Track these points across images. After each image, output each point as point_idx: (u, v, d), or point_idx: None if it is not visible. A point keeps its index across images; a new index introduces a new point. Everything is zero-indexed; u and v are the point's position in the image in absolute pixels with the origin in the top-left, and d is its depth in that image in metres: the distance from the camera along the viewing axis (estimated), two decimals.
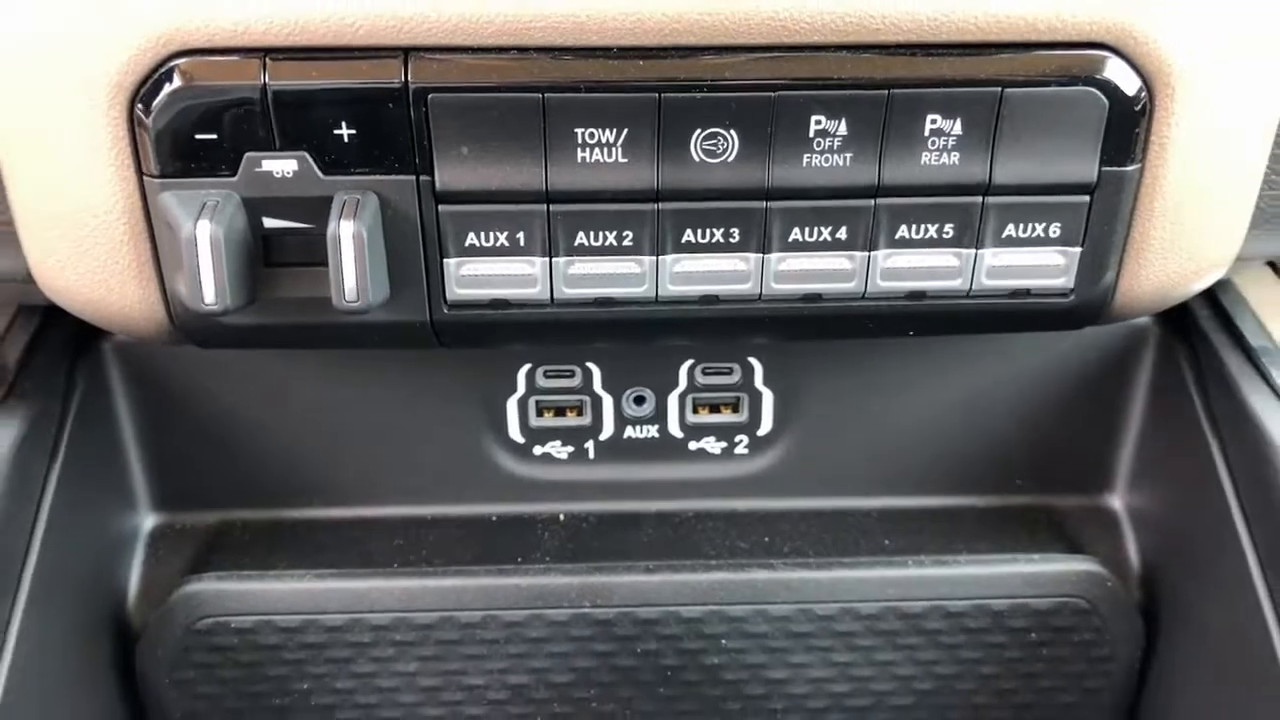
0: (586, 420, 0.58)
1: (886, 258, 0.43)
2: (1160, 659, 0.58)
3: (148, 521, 0.59)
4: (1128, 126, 0.41)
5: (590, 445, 0.59)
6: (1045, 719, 0.61)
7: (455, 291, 0.43)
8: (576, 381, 0.57)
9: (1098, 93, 0.40)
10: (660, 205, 0.41)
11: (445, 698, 0.57)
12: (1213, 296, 0.57)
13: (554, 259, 0.42)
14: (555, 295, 0.43)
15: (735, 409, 0.58)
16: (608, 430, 0.58)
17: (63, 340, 0.54)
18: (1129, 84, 0.40)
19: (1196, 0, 0.39)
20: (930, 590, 0.56)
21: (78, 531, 0.53)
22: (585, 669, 0.57)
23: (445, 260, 0.42)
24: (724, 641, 0.57)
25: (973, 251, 0.43)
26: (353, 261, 0.40)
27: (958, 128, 0.41)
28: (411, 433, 0.58)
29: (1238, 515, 0.54)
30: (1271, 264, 0.62)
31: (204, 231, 0.39)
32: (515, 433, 0.58)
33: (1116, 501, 0.61)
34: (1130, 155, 0.42)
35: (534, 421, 0.58)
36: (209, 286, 0.40)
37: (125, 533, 0.58)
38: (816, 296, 0.44)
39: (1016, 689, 0.60)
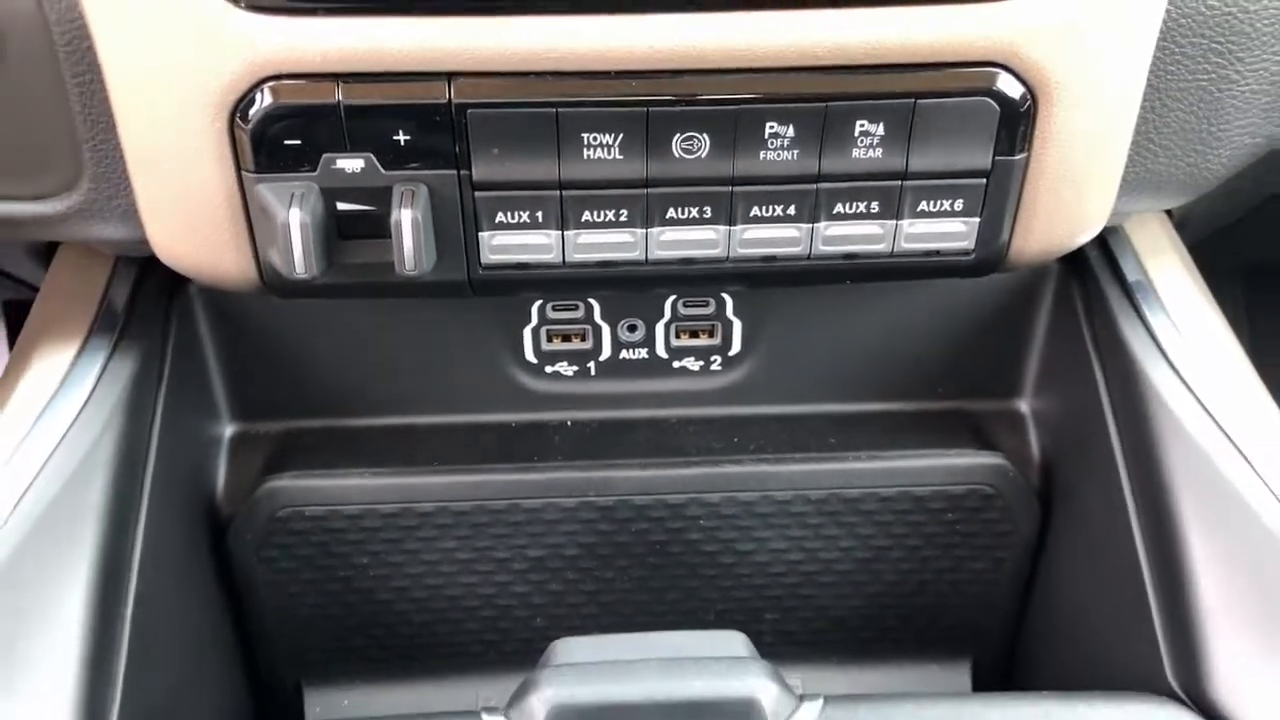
0: (588, 345, 0.68)
1: (826, 228, 0.53)
2: (1053, 534, 0.70)
3: (229, 430, 0.69)
4: (1015, 125, 0.50)
5: (592, 365, 0.69)
6: (960, 581, 0.72)
7: (488, 257, 0.52)
8: (580, 314, 0.66)
9: (991, 101, 0.49)
10: (649, 190, 0.51)
11: (478, 568, 0.69)
12: (1103, 239, 0.67)
13: (565, 232, 0.52)
14: (566, 259, 0.53)
15: (710, 334, 0.68)
16: (606, 352, 0.68)
17: (157, 284, 0.63)
18: (1015, 92, 0.49)
19: (1066, 27, 0.48)
20: (867, 480, 0.67)
21: (179, 441, 0.63)
22: (590, 544, 0.68)
23: (480, 234, 0.52)
24: (701, 522, 0.68)
25: (894, 223, 0.52)
26: (410, 240, 0.49)
27: (881, 130, 0.50)
28: (446, 356, 0.67)
29: (1110, 418, 0.65)
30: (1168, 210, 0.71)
31: (295, 217, 0.48)
32: (530, 355, 0.68)
33: (1023, 405, 0.71)
34: (1017, 147, 0.51)
35: (545, 346, 0.68)
36: (299, 260, 0.49)
37: (213, 439, 0.68)
38: (772, 258, 0.53)
39: (937, 557, 0.71)
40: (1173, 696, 0.57)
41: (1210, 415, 0.60)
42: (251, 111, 0.48)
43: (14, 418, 0.57)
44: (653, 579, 0.70)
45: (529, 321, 0.67)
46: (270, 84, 0.48)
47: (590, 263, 0.53)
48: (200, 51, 0.47)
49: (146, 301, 0.63)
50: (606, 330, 0.68)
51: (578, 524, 0.68)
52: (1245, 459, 0.58)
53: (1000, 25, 0.48)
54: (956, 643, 0.75)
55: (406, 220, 0.49)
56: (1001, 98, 0.49)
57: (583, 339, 0.68)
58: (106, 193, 0.53)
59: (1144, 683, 0.59)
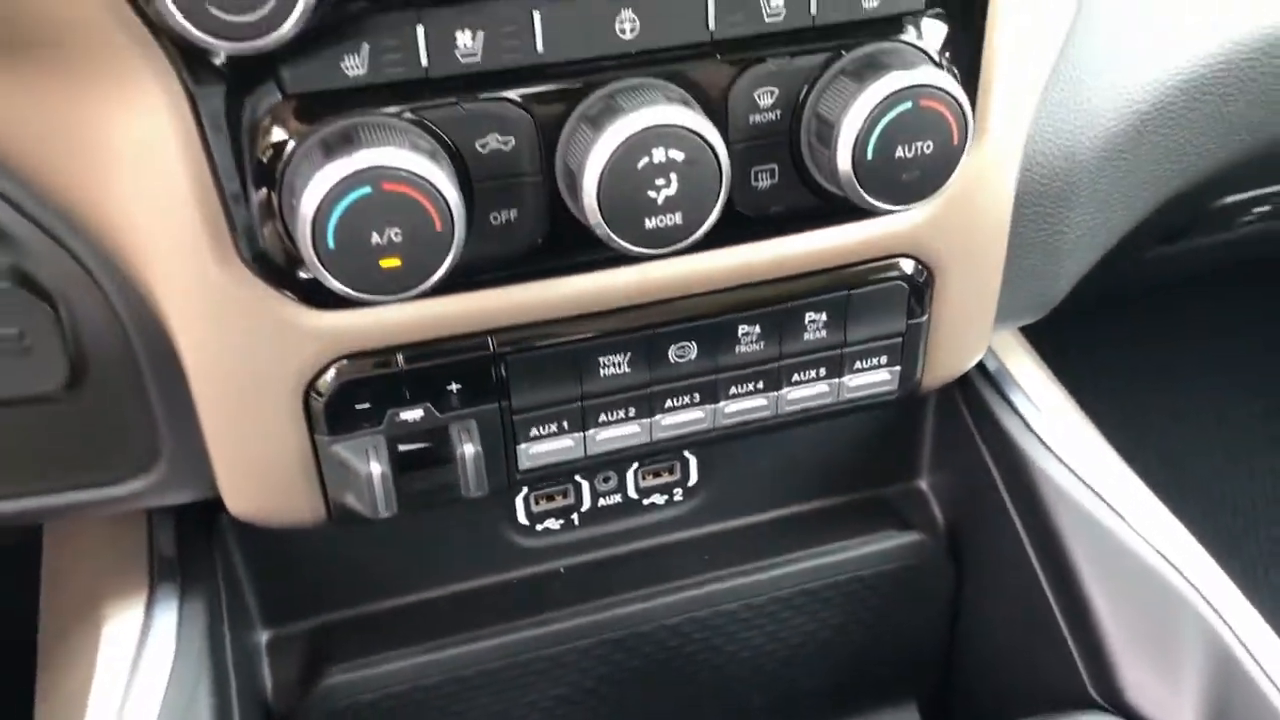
0: (571, 500, 0.77)
1: (787, 394, 0.64)
2: (970, 584, 0.83)
3: (265, 635, 0.75)
4: (919, 296, 0.63)
5: (575, 516, 0.78)
6: (900, 637, 0.85)
7: (524, 464, 0.61)
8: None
9: (902, 282, 0.62)
10: (651, 389, 0.61)
11: (514, 715, 0.77)
12: None
13: (586, 433, 0.62)
14: (587, 453, 0.62)
15: (671, 472, 0.79)
16: (586, 504, 0.78)
17: (195, 522, 0.69)
18: (918, 273, 0.62)
19: (948, 221, 0.61)
20: (823, 574, 0.79)
21: (236, 659, 0.68)
22: (606, 673, 0.78)
23: (518, 446, 0.61)
24: (695, 635, 0.79)
25: (838, 380, 0.65)
26: (472, 469, 0.58)
27: (824, 317, 0.62)
28: (453, 533, 0.76)
29: (999, 483, 0.79)
30: None
31: (376, 470, 0.56)
32: (522, 518, 0.77)
33: (924, 484, 0.85)
34: (921, 311, 0.64)
35: (534, 508, 0.77)
36: (381, 504, 0.57)
37: (254, 647, 0.74)
38: (746, 423, 0.65)
39: (880, 622, 0.84)
40: (1096, 706, 0.71)
41: (1073, 472, 0.75)
42: (325, 387, 0.56)
43: (106, 685, 0.62)
44: (660, 687, 0.80)
45: (520, 491, 0.76)
46: (341, 363, 0.56)
47: (606, 452, 0.63)
48: (280, 345, 0.55)
49: (190, 543, 0.68)
50: (586, 485, 0.78)
51: (594, 659, 0.77)
52: (1107, 503, 0.73)
53: (903, 226, 0.61)
54: (903, 688, 0.88)
55: (469, 454, 0.58)
56: (908, 278, 0.62)
57: (565, 496, 0.78)
58: (183, 469, 0.60)
59: (1069, 697, 0.73)
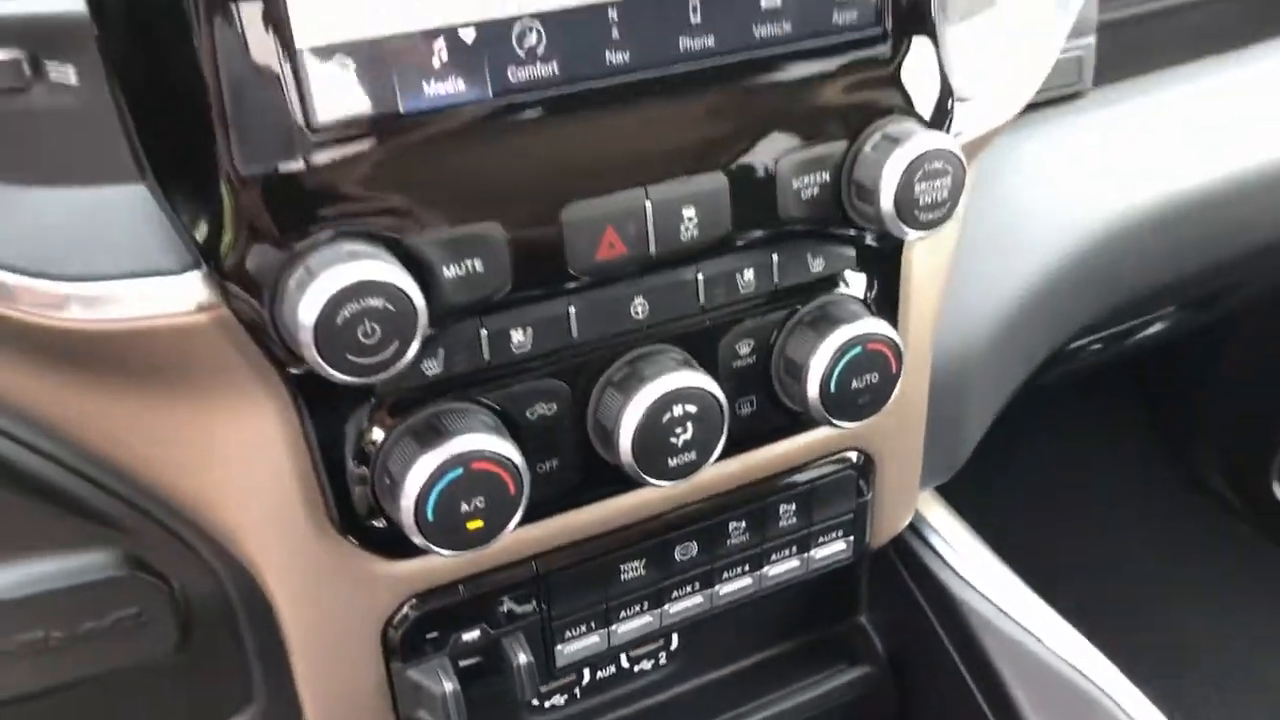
0: (572, 677, 0.87)
1: (768, 571, 0.76)
2: (912, 712, 0.95)
3: None
4: (864, 479, 0.77)
5: (577, 689, 0.87)
6: None
7: (560, 662, 0.71)
8: None
9: (851, 470, 0.76)
10: (661, 584, 0.72)
11: None
12: None
13: (610, 629, 0.72)
14: (610, 645, 0.73)
15: (656, 639, 0.89)
16: (587, 678, 0.87)
17: None
18: (861, 461, 0.76)
19: (882, 425, 0.74)
20: (786, 716, 0.90)
21: None
22: None
23: (555, 647, 0.70)
24: None
25: (807, 554, 0.77)
26: (527, 678, 0.67)
27: (794, 507, 0.75)
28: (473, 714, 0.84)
29: (928, 612, 0.92)
30: None
31: (449, 689, 0.65)
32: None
33: (864, 619, 0.97)
34: (867, 490, 0.77)
35: (541, 687, 0.86)
36: (454, 717, 0.66)
37: None
38: (735, 600, 0.76)
39: None
40: None
41: (990, 601, 0.88)
42: (400, 622, 0.65)
43: None
44: None
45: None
46: (413, 600, 0.65)
47: (626, 643, 0.73)
48: (365, 593, 0.64)
49: None
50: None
51: None
52: (1023, 627, 0.87)
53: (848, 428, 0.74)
54: None
55: (523, 663, 0.67)
56: (855, 466, 0.76)
57: (570, 673, 0.87)
58: (274, 707, 0.67)
59: None
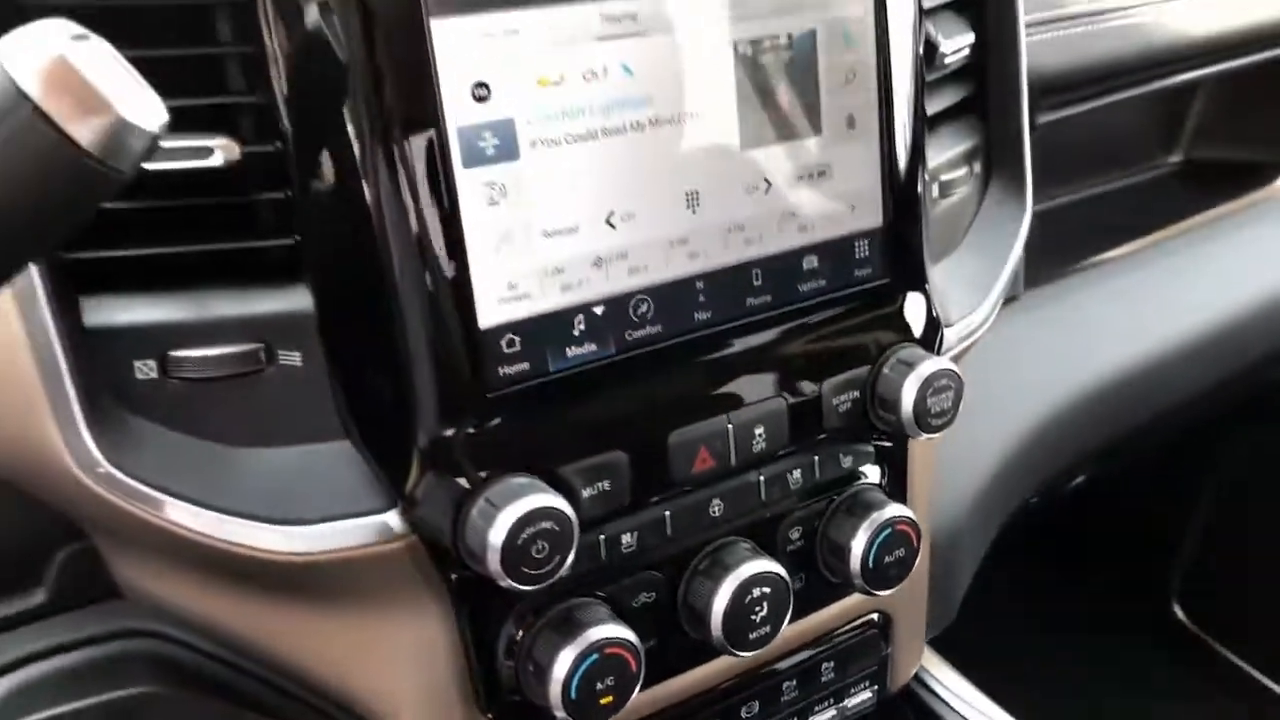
0: None
1: None
2: None
3: None
4: (885, 635, 0.90)
5: None
6: None
7: None
8: None
9: (876, 630, 0.89)
10: None
11: None
12: None
13: None
14: None
15: None
16: None
17: None
18: (884, 621, 0.89)
19: (906, 587, 0.89)
20: None
21: None
22: None
23: None
24: None
25: (842, 704, 0.90)
26: None
27: (833, 664, 0.88)
28: None
29: None
30: None
31: None
32: None
33: None
34: (887, 645, 0.91)
35: None
36: None
37: None
38: None
39: None
40: None
41: None
42: None
43: None
44: None
45: None
46: None
47: None
48: None
49: None
50: None
51: None
52: None
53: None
54: None
55: None
56: (879, 626, 0.90)
57: None
58: None
59: None
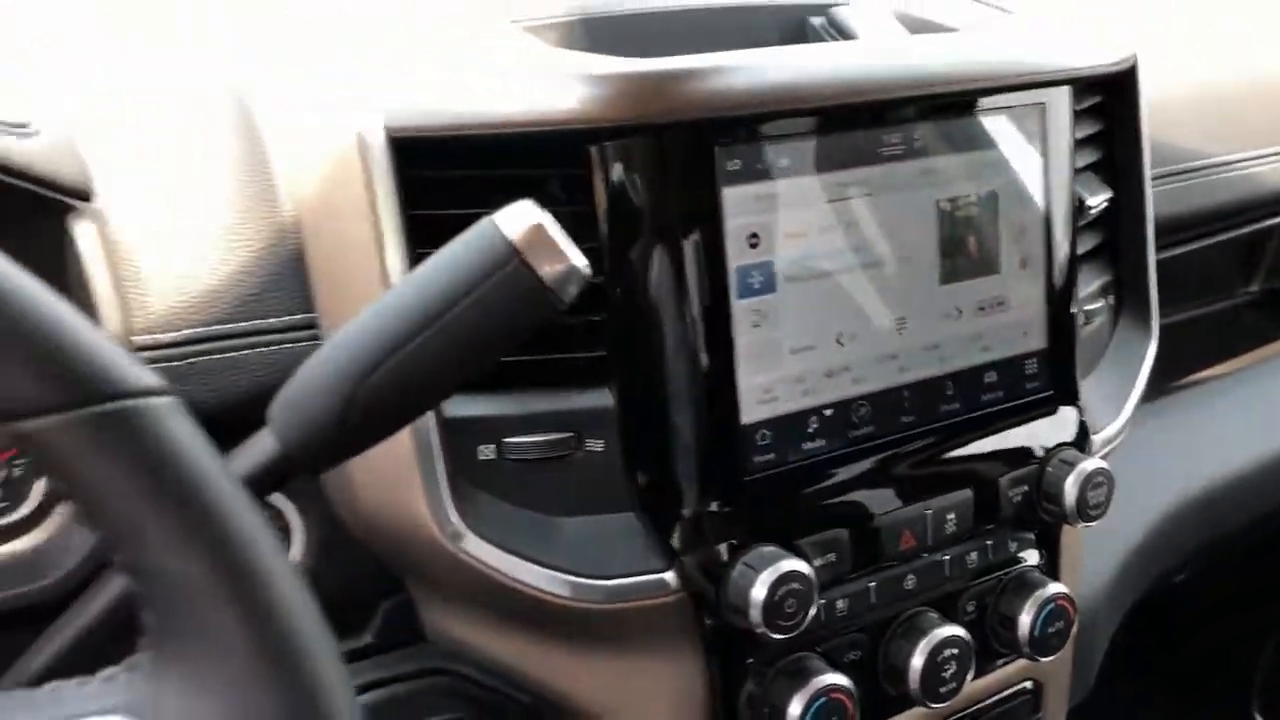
0: None
1: None
2: None
3: None
4: (1037, 701, 1.02)
5: None
6: None
7: None
8: None
9: (1030, 696, 1.01)
10: None
11: None
12: None
13: None
14: None
15: None
16: None
17: None
18: (1035, 688, 1.02)
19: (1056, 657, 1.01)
20: None
21: None
22: None
23: None
24: None
25: None
26: None
27: None
28: None
29: None
30: None
31: None
32: None
33: None
34: (1039, 713, 1.03)
35: None
36: None
37: None
38: None
39: None
40: None
41: None
42: None
43: None
44: None
45: None
46: None
47: None
48: None
49: None
50: None
51: None
52: None
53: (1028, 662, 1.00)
54: None
55: None
56: (1033, 692, 1.02)
57: None
58: None
59: None
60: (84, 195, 0.70)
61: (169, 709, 0.42)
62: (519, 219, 0.57)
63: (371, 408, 0.58)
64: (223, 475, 0.42)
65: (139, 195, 0.74)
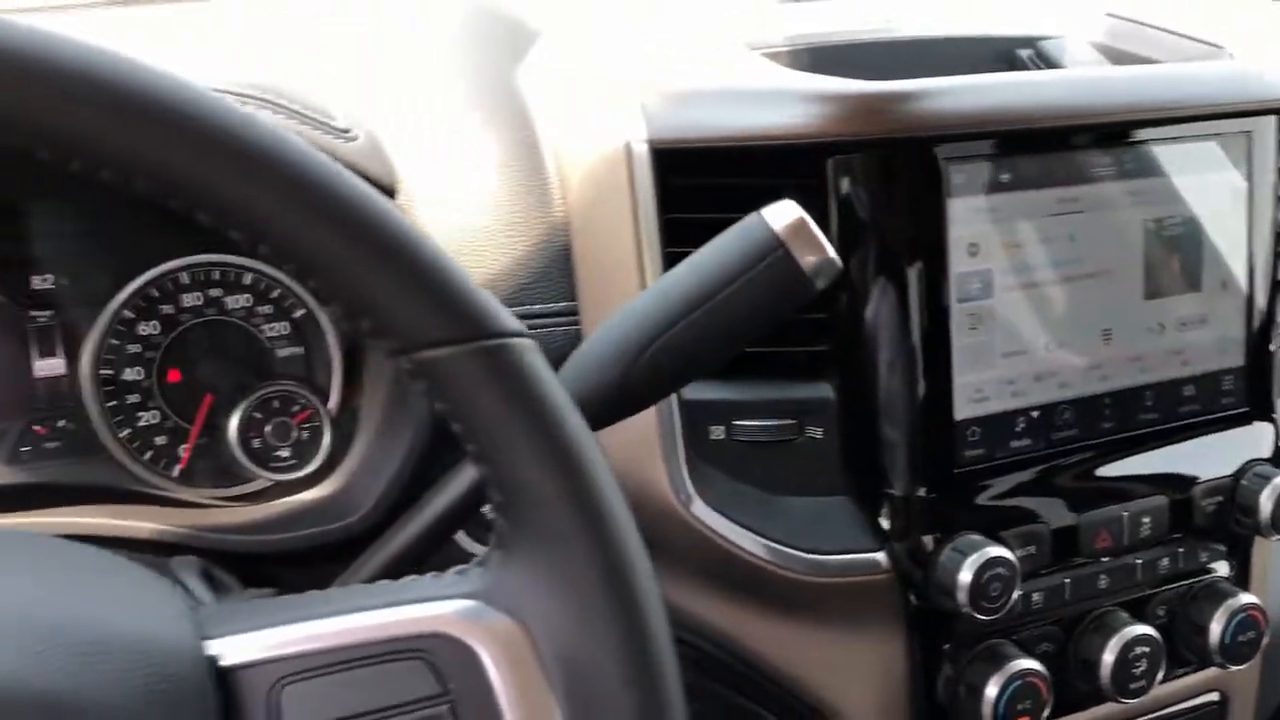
0: None
1: None
2: None
3: None
4: (1224, 712, 1.04)
5: None
6: None
7: None
8: None
9: (1217, 706, 1.03)
10: None
11: None
12: None
13: None
14: None
15: None
16: None
17: None
18: (1221, 699, 1.04)
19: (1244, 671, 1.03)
20: None
21: None
22: None
23: None
24: None
25: None
26: None
27: None
28: None
29: None
30: None
31: None
32: None
33: None
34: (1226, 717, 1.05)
35: None
36: None
37: None
38: None
39: None
40: None
41: None
42: None
43: None
44: None
45: None
46: None
47: None
48: None
49: None
50: None
51: None
52: None
53: (1213, 673, 1.02)
54: None
55: None
56: (1219, 704, 1.04)
57: None
58: None
59: None
60: (391, 192, 0.81)
61: (516, 595, 0.50)
62: (783, 214, 0.65)
63: (648, 375, 0.66)
64: (572, 407, 0.51)
65: (434, 193, 0.85)
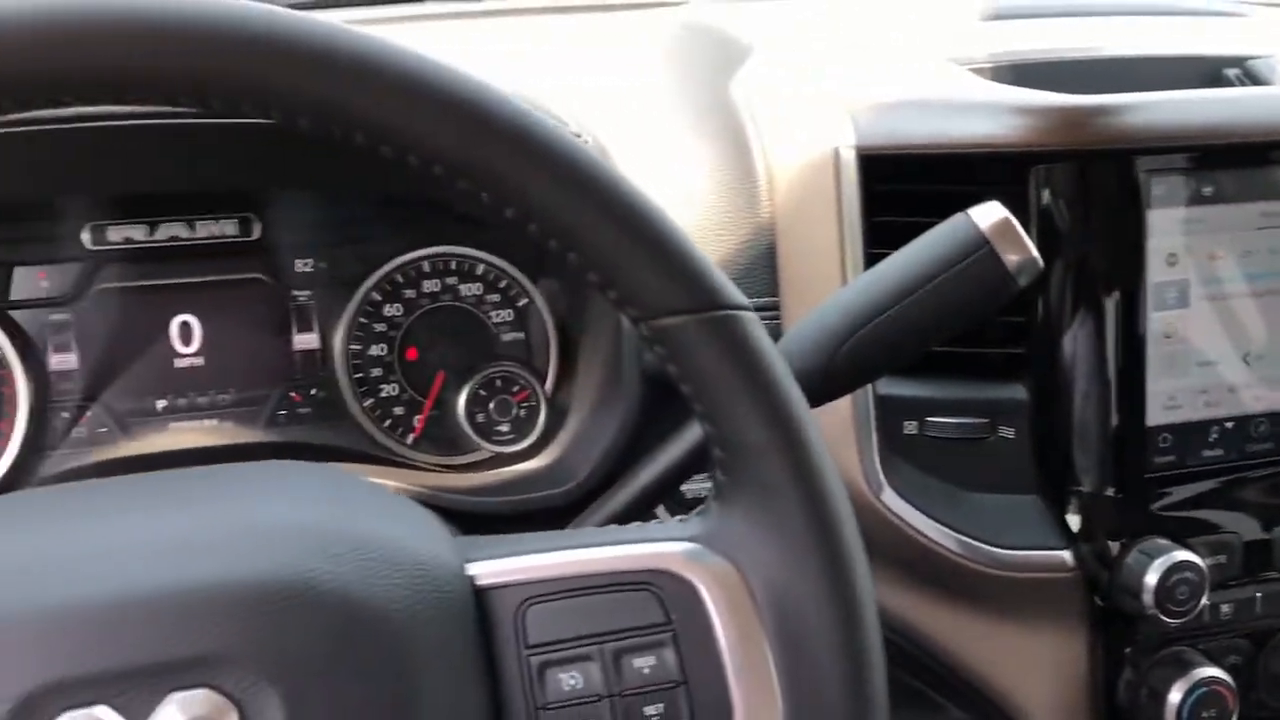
0: None
1: None
2: None
3: None
4: None
5: None
6: None
7: None
8: None
9: None
10: None
11: None
12: None
13: None
14: None
15: None
16: None
17: None
18: None
19: None
20: None
21: None
22: None
23: None
24: None
25: None
26: None
27: None
28: None
29: None
30: None
31: None
32: None
33: None
34: None
35: None
36: None
37: None
38: None
39: None
40: None
41: None
42: None
43: None
44: None
45: None
46: None
47: None
48: None
49: None
50: None
51: None
52: None
53: None
54: None
55: None
56: None
57: None
58: None
59: None
60: None
61: (734, 540, 0.56)
62: (989, 213, 0.69)
63: (851, 362, 0.71)
64: (789, 376, 0.56)
65: (651, 194, 0.92)
